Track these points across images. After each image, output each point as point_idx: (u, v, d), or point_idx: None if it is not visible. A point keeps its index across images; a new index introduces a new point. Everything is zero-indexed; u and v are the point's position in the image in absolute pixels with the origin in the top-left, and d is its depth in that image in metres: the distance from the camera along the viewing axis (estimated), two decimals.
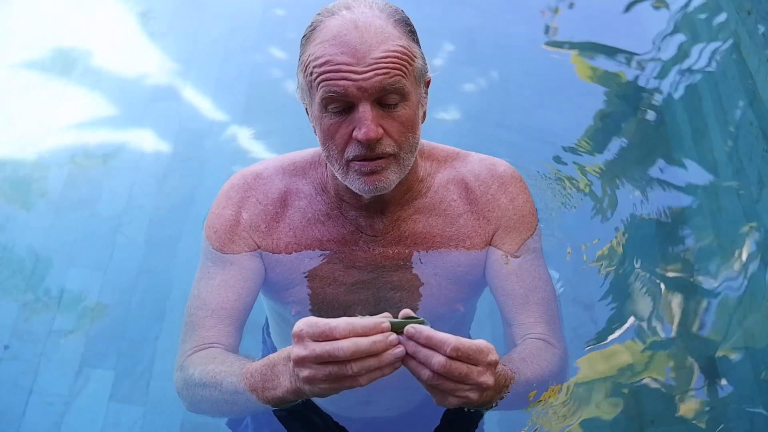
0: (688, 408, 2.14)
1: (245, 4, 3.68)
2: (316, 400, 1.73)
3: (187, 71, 3.34)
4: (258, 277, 1.57)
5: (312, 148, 1.60)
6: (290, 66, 3.35)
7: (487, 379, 1.20)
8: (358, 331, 1.15)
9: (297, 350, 1.17)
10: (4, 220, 2.77)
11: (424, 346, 1.17)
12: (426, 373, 1.17)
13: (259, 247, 1.57)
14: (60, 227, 2.74)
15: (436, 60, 3.23)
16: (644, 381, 2.19)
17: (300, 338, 1.17)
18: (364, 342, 1.14)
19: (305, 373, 1.18)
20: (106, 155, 2.99)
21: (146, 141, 3.05)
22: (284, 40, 3.48)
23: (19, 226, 2.76)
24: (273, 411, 1.78)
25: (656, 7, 3.55)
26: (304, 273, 1.58)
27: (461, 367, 1.17)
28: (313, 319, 1.17)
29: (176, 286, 2.50)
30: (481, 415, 1.75)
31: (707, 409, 2.14)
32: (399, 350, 1.16)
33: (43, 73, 3.30)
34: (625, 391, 2.18)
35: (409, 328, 1.17)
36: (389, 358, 1.15)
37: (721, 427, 2.09)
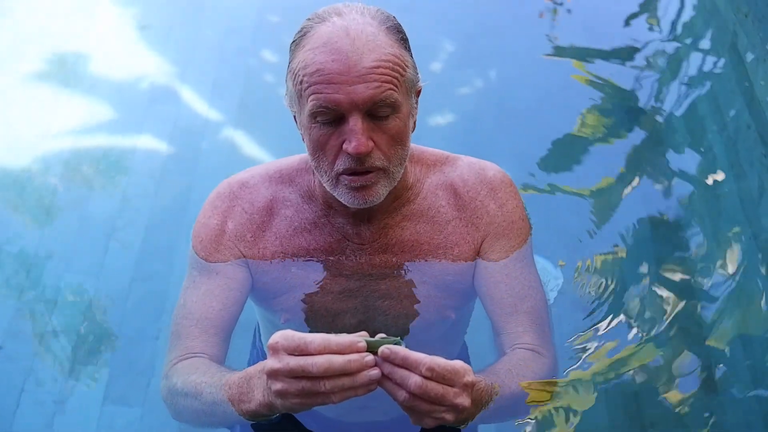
0: (686, 411, 2.13)
1: (241, 9, 3.69)
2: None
3: (183, 75, 3.34)
4: (244, 287, 1.55)
5: (298, 155, 1.57)
6: (284, 69, 3.36)
7: (463, 400, 1.19)
8: (332, 348, 1.13)
9: (271, 362, 1.16)
10: None
11: (400, 366, 1.15)
12: (402, 395, 1.16)
13: (245, 257, 1.55)
14: (55, 230, 2.73)
15: (434, 63, 3.23)
16: (643, 383, 2.18)
17: (275, 351, 1.16)
18: (338, 360, 1.13)
19: (277, 386, 1.16)
20: (101, 159, 2.99)
21: (142, 145, 3.05)
22: (279, 44, 3.49)
23: (14, 229, 2.75)
24: (257, 423, 1.78)
25: (649, 23, 3.55)
26: (291, 282, 1.56)
27: (437, 388, 1.16)
28: (289, 333, 1.15)
29: (173, 287, 2.49)
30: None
31: (706, 414, 2.14)
32: (374, 372, 1.15)
33: (40, 77, 3.30)
34: (624, 394, 2.17)
35: (384, 349, 1.15)
36: (363, 379, 1.14)
37: (720, 426, 2.09)
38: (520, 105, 3.16)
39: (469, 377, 1.19)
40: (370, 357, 1.14)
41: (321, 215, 1.53)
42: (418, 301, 1.58)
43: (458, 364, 1.18)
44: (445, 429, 1.60)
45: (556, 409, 2.06)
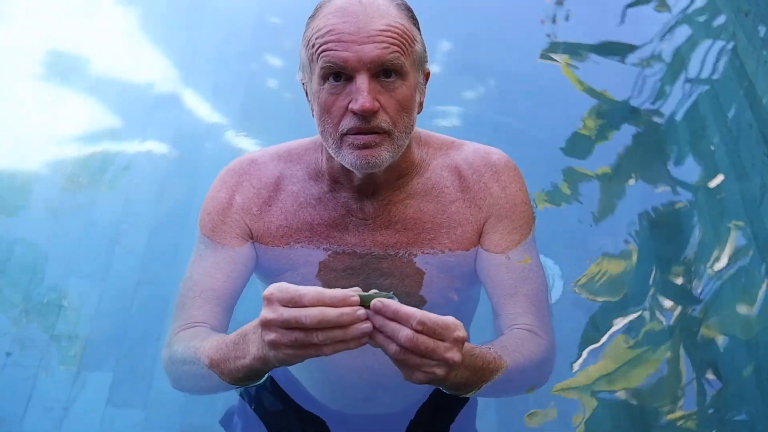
0: (690, 412, 2.14)
1: (241, 12, 3.69)
2: (318, 396, 1.75)
3: (185, 79, 3.35)
4: (249, 261, 1.59)
5: (309, 137, 1.62)
6: (286, 73, 3.38)
7: (454, 355, 1.20)
8: (326, 301, 1.15)
9: (265, 313, 1.18)
10: (2, 227, 2.77)
11: (392, 320, 1.17)
12: (393, 348, 1.17)
13: (250, 230, 1.59)
14: (59, 235, 2.73)
15: (432, 67, 3.22)
16: (645, 385, 2.19)
17: (270, 301, 1.18)
18: (331, 312, 1.15)
19: (271, 336, 1.18)
20: (104, 162, 2.99)
21: (145, 149, 3.05)
22: (280, 48, 3.50)
23: (18, 234, 2.75)
24: (262, 416, 1.80)
25: (657, 10, 3.55)
26: (295, 258, 1.59)
27: (427, 342, 1.17)
28: (284, 285, 1.18)
29: (175, 291, 2.49)
30: (460, 406, 1.76)
31: (711, 411, 2.14)
32: (366, 326, 1.16)
33: (42, 81, 3.31)
34: (626, 393, 2.18)
35: (376, 302, 1.17)
36: (355, 332, 1.16)
37: (724, 428, 2.09)
38: (519, 107, 3.16)
39: (460, 332, 1.21)
40: (362, 311, 1.16)
41: (326, 191, 1.57)
42: (420, 281, 1.60)
43: (449, 319, 1.19)
44: (444, 405, 1.62)
45: (560, 413, 2.07)
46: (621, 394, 2.17)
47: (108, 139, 3.08)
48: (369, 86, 1.37)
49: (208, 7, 3.72)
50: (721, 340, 2.28)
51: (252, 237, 1.60)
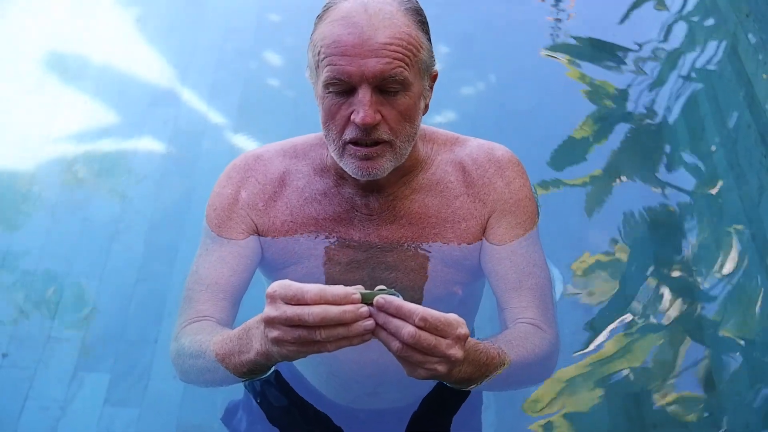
0: (686, 412, 2.14)
1: (240, 10, 3.69)
2: (323, 391, 1.77)
3: (183, 77, 3.34)
4: (254, 255, 1.61)
5: (314, 133, 1.64)
6: (286, 71, 3.38)
7: (456, 352, 1.20)
8: (328, 298, 1.16)
9: (268, 310, 1.19)
10: (0, 227, 2.76)
11: (394, 316, 1.17)
12: (396, 345, 1.18)
13: (256, 225, 1.61)
14: (56, 234, 2.73)
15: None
16: (643, 385, 2.19)
17: (273, 299, 1.18)
18: (334, 310, 1.15)
19: (274, 333, 1.19)
20: (102, 161, 2.99)
21: (143, 146, 3.05)
22: (279, 45, 3.49)
23: (15, 233, 2.75)
24: (267, 411, 1.81)
25: (657, 9, 3.55)
26: (299, 252, 1.61)
27: (429, 339, 1.17)
28: (287, 282, 1.18)
29: (174, 290, 2.49)
30: (464, 398, 1.77)
31: (706, 415, 2.14)
32: (369, 323, 1.17)
33: (41, 79, 3.30)
34: (625, 395, 2.18)
35: (379, 299, 1.17)
36: (358, 329, 1.16)
37: (720, 430, 2.10)
38: (519, 105, 3.16)
39: (462, 329, 1.21)
40: (364, 308, 1.17)
41: (331, 186, 1.59)
42: (425, 275, 1.61)
43: (452, 316, 1.20)
44: (448, 398, 1.62)
45: (558, 409, 2.07)
46: (617, 395, 2.18)
47: (106, 136, 3.07)
48: (371, 99, 1.39)
49: (207, 5, 3.71)
50: (718, 341, 2.29)
51: (257, 232, 1.61)
